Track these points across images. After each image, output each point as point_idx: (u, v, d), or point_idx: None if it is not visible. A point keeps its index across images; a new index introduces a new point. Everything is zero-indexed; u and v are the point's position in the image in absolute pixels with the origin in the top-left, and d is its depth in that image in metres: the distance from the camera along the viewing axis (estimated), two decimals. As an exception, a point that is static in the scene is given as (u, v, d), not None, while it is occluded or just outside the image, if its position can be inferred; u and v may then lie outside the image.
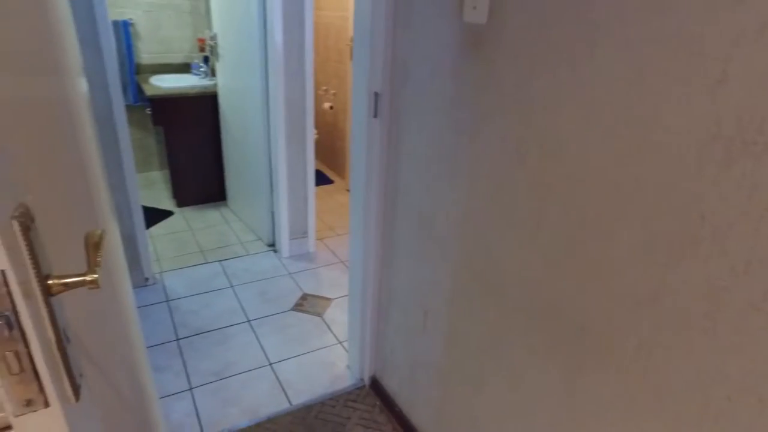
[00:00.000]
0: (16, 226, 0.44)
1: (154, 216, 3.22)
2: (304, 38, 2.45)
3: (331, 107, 3.90)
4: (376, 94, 1.48)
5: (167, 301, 2.38)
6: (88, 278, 0.50)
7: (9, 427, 0.60)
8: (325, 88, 4.01)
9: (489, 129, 1.10)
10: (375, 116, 1.51)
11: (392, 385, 1.79)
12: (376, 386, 1.89)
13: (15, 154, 0.50)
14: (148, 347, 2.06)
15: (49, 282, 0.49)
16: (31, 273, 0.46)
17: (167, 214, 3.27)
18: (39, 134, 0.63)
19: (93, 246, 0.54)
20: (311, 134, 2.68)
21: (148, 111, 3.22)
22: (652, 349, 0.83)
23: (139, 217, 2.36)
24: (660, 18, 0.73)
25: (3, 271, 0.42)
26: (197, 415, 1.75)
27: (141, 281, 2.45)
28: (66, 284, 0.49)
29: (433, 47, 1.23)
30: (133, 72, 3.34)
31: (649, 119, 0.77)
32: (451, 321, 1.37)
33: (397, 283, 1.62)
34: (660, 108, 0.75)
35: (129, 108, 3.45)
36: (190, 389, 1.86)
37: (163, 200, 3.46)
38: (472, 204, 1.20)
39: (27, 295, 0.46)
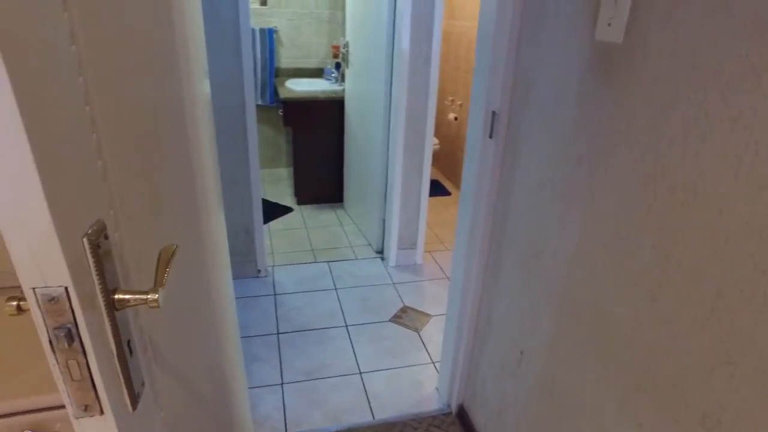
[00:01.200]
0: (85, 244, 0.46)
1: (275, 211, 3.42)
2: (431, 48, 2.42)
3: (456, 118, 3.84)
4: (494, 114, 1.39)
5: (275, 294, 2.50)
6: (149, 297, 0.50)
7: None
8: (451, 98, 3.96)
9: (612, 163, 0.97)
10: (490, 137, 1.43)
11: (479, 418, 1.68)
12: (462, 416, 1.79)
13: (105, 165, 0.51)
14: (251, 337, 2.18)
15: (115, 297, 0.50)
16: (97, 289, 0.48)
17: (287, 210, 3.47)
18: (142, 141, 0.66)
19: (163, 263, 0.55)
20: (430, 145, 2.64)
21: (280, 112, 3.44)
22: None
23: (258, 211, 2.51)
24: None
25: (66, 288, 0.44)
26: (284, 410, 1.81)
27: (253, 272, 2.61)
28: (127, 301, 0.50)
29: (560, 67, 1.12)
30: (273, 75, 3.59)
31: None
32: (548, 368, 1.24)
33: (497, 315, 1.52)
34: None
35: (265, 108, 3.72)
36: (281, 384, 1.93)
37: (286, 197, 3.67)
38: (584, 245, 1.06)
39: (90, 309, 0.47)
